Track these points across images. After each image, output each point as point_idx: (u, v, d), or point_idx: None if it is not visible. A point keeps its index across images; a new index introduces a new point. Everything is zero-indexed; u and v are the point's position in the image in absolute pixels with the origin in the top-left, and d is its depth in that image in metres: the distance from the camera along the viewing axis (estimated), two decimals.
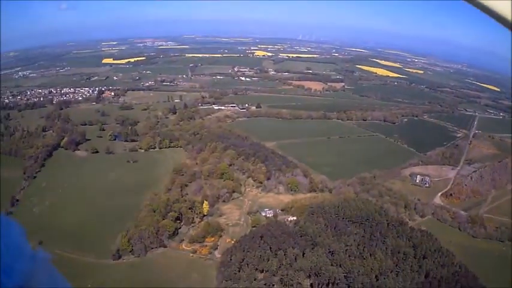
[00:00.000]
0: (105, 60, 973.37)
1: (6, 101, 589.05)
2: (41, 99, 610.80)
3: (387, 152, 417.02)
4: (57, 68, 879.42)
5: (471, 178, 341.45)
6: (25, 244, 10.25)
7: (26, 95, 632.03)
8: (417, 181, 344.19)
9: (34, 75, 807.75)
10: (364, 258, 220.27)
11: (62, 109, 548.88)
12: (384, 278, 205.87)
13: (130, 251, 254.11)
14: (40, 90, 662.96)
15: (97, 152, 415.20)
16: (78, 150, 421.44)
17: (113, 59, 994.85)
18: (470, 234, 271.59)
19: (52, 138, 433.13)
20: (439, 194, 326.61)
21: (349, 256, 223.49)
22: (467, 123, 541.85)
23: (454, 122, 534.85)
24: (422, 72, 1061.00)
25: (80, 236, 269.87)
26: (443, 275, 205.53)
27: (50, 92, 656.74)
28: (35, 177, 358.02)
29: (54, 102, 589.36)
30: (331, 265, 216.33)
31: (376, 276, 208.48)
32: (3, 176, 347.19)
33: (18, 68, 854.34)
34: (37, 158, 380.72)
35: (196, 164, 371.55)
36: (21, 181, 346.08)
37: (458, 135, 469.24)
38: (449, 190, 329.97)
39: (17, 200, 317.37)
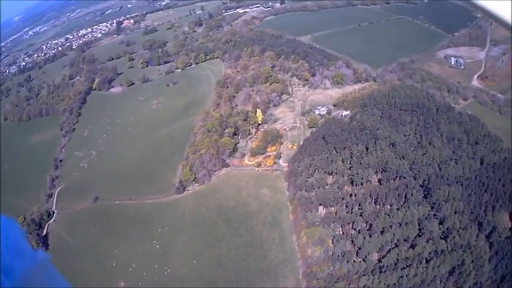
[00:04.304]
0: None
1: (23, 63, 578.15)
2: (59, 49, 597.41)
3: (418, 34, 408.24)
4: (67, 14, 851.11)
5: (502, 61, 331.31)
6: (25, 244, 9.10)
7: (42, 51, 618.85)
8: (452, 63, 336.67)
9: (45, 28, 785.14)
10: (424, 148, 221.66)
11: (84, 51, 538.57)
12: (446, 167, 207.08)
13: (193, 180, 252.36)
14: (56, 41, 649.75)
15: (133, 84, 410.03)
16: (113, 87, 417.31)
17: None
18: (510, 118, 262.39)
19: (81, 83, 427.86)
20: (475, 76, 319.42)
21: (409, 146, 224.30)
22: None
23: (470, 2, 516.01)
24: None
25: (137, 179, 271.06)
26: (495, 161, 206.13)
27: (67, 39, 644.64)
28: (74, 129, 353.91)
29: (73, 47, 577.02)
30: (395, 158, 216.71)
31: (438, 165, 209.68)
32: (39, 140, 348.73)
33: (26, 29, 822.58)
34: (71, 109, 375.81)
35: (238, 71, 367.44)
36: (60, 139, 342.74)
37: (478, 15, 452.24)
38: (484, 73, 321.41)
39: (61, 161, 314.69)
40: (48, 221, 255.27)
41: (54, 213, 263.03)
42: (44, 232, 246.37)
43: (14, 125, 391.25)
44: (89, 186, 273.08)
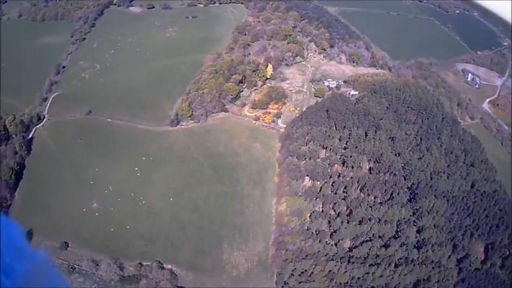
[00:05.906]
0: None
1: None
2: None
3: (442, 40, 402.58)
4: None
5: None
6: (25, 244, 10.78)
7: None
8: (468, 79, 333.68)
9: None
10: (421, 152, 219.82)
11: None
12: (437, 178, 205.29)
13: (189, 116, 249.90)
14: None
15: (153, 7, 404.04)
16: (132, 6, 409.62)
17: None
18: (509, 153, 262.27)
19: None
20: (487, 100, 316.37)
21: (408, 146, 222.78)
22: None
23: (501, 28, 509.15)
24: None
25: (134, 102, 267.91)
26: (486, 189, 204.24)
27: None
28: (84, 39, 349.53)
29: None
30: (391, 153, 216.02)
31: (430, 174, 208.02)
32: (47, 42, 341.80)
33: None
34: (87, 18, 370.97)
35: (259, 22, 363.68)
36: (68, 46, 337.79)
37: (505, 43, 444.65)
38: (497, 100, 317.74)
39: (64, 67, 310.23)
40: (37, 124, 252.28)
41: (44, 117, 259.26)
42: (30, 135, 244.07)
43: (27, 24, 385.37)
44: (85, 98, 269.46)
